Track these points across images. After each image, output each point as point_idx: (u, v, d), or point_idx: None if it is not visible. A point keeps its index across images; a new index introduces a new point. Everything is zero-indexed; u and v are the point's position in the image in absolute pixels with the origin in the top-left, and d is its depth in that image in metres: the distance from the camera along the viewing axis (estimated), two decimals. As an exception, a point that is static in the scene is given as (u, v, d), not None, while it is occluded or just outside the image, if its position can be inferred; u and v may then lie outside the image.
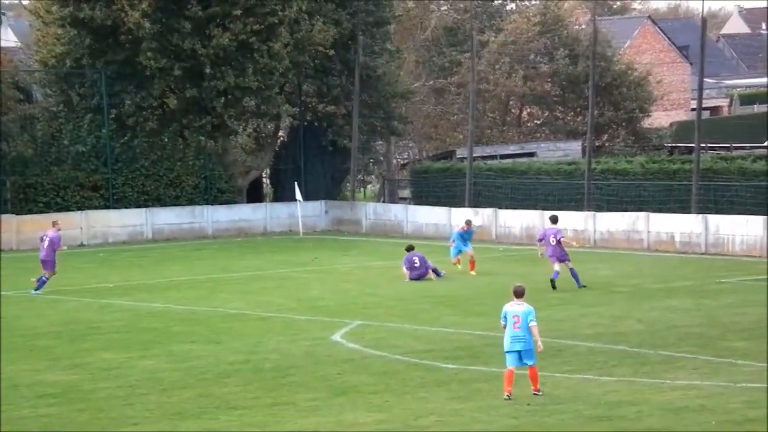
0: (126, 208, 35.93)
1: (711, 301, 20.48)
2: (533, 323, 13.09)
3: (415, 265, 24.14)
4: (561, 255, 22.46)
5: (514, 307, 13.21)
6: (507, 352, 13.23)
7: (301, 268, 27.25)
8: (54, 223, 24.67)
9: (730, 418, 11.95)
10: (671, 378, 14.06)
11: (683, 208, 31.06)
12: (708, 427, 11.62)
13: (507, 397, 13.08)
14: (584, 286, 22.18)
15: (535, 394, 13.16)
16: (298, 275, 26.01)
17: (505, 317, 13.25)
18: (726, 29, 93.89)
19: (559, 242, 22.49)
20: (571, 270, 22.39)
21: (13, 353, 16.65)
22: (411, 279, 23.95)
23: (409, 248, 24.66)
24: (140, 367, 15.55)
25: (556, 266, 22.33)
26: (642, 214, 30.74)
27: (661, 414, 12.20)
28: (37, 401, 13.58)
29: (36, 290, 23.24)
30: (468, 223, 26.26)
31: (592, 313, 19.19)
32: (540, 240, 23.26)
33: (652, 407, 12.48)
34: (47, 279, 23.36)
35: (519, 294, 13.34)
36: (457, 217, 31.92)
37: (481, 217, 34.00)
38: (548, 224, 24.08)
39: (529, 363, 13.17)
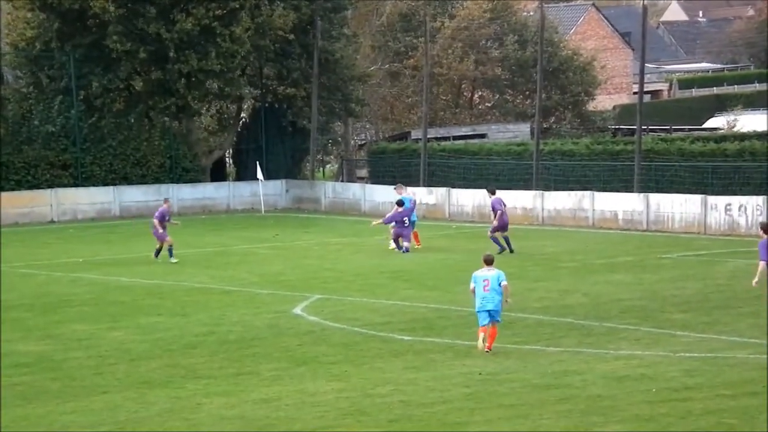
0: (94, 186, 36.60)
1: (652, 276, 20.84)
2: (505, 283, 14.60)
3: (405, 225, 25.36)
4: (507, 222, 24.73)
5: (485, 273, 14.65)
6: (478, 311, 14.52)
7: (262, 245, 27.67)
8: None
9: (670, 386, 12.26)
10: (614, 348, 14.39)
11: (626, 187, 31.87)
12: (649, 394, 11.90)
13: (486, 351, 14.37)
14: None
15: (487, 351, 14.30)
16: (260, 251, 26.39)
17: (475, 281, 14.68)
18: (666, 17, 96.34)
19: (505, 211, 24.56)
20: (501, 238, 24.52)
21: None
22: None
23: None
24: (109, 338, 15.79)
25: (492, 234, 24.28)
26: (587, 193, 31.68)
27: (604, 382, 12.53)
28: (11, 371, 13.82)
29: None
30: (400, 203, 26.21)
31: (540, 288, 19.57)
32: (502, 210, 24.77)
33: (596, 376, 12.84)
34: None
35: (489, 262, 14.83)
36: (412, 195, 32.77)
37: (435, 195, 35.06)
38: (493, 195, 25.70)
39: (497, 320, 14.66)
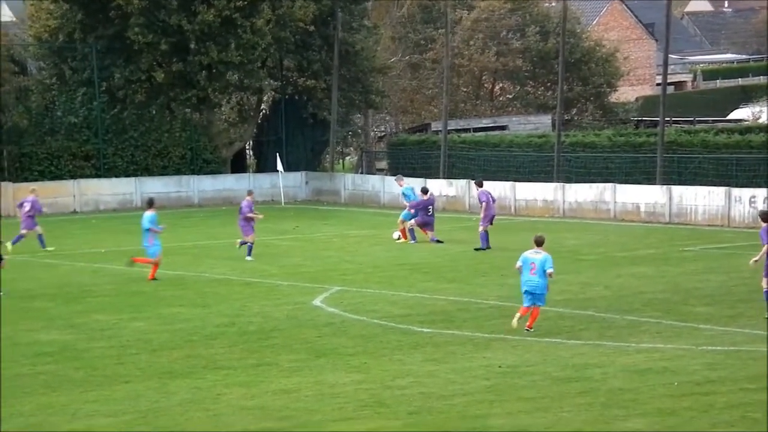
0: (116, 177, 36.90)
1: (674, 269, 20.85)
2: (550, 270, 14.92)
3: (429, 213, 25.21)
4: (495, 215, 24.47)
5: (533, 255, 14.97)
6: (523, 292, 15.05)
7: (282, 236, 27.82)
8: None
9: (692, 379, 12.22)
10: (636, 341, 14.32)
11: (648, 179, 31.81)
12: (671, 388, 11.86)
13: (524, 328, 14.82)
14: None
15: (527, 330, 14.81)
16: (280, 243, 26.51)
17: (523, 262, 15.03)
18: (690, 7, 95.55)
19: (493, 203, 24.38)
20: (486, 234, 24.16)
21: (12, 314, 17.07)
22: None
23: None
24: (131, 329, 15.87)
25: (483, 228, 23.94)
26: (609, 185, 31.61)
27: (625, 375, 12.46)
28: (35, 359, 13.98)
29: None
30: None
31: (561, 280, 18.92)
32: (492, 202, 24.63)
33: (617, 369, 12.76)
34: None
35: (539, 243, 15.09)
36: (432, 187, 32.53)
37: (455, 188, 35.08)
38: (479, 187, 25.57)
39: (539, 304, 14.98)
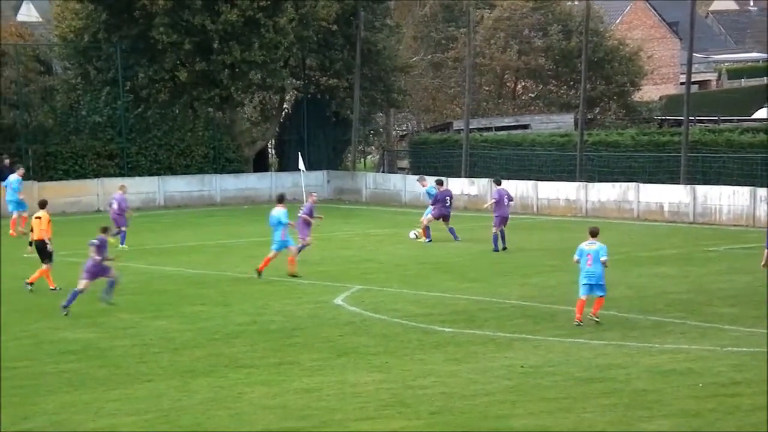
0: (139, 176, 37.08)
1: (699, 269, 20.79)
2: (604, 258, 15.37)
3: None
4: (507, 216, 23.95)
5: (588, 246, 15.43)
6: (581, 284, 15.47)
7: None
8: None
9: (717, 381, 12.16)
10: (659, 342, 14.27)
11: (672, 178, 31.61)
12: (695, 389, 11.82)
13: (577, 324, 15.26)
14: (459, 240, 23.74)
15: (592, 318, 15.26)
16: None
17: (580, 254, 15.46)
18: (715, 6, 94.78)
19: (509, 203, 23.97)
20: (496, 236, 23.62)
21: (37, 313, 17.35)
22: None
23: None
24: (154, 327, 15.96)
25: (497, 229, 23.57)
26: (632, 185, 31.42)
27: (649, 376, 12.41)
28: (59, 357, 14.12)
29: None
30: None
31: None
32: (497, 201, 24.09)
33: (641, 370, 12.71)
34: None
35: (594, 234, 15.56)
36: (454, 186, 32.51)
37: (476, 186, 35.05)
38: (495, 186, 25.22)
39: (599, 294, 15.47)
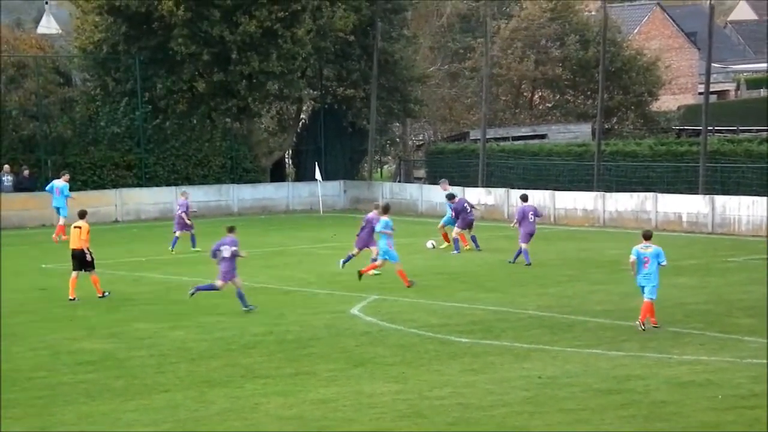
0: (157, 186, 37.28)
1: (717, 279, 20.66)
2: (664, 263, 15.73)
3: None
4: (533, 232, 23.38)
5: (644, 249, 15.65)
6: (641, 287, 15.80)
7: (321, 245, 27.87)
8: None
9: (736, 393, 12.06)
10: (678, 353, 14.19)
11: (690, 189, 31.46)
12: (714, 401, 11.73)
13: (641, 327, 15.55)
14: (529, 264, 22.89)
15: (655, 327, 15.57)
16: (319, 251, 26.58)
17: (637, 256, 15.69)
18: (733, 16, 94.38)
19: (536, 218, 23.53)
20: (525, 251, 23.12)
21: (55, 323, 17.42)
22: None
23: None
24: (171, 337, 16.01)
25: (525, 245, 23.04)
26: (650, 195, 31.27)
27: (668, 388, 12.32)
28: (76, 368, 14.14)
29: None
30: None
31: (601, 290, 19.41)
32: (520, 220, 23.52)
33: (660, 381, 12.63)
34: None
35: (647, 237, 15.81)
36: (470, 196, 32.33)
37: (493, 196, 34.99)
38: (520, 202, 24.74)
39: (652, 297, 15.70)
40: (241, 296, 18.23)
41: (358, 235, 22.51)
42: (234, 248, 18.22)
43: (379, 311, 17.84)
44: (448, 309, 17.98)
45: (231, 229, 18.52)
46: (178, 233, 26.83)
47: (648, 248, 15.63)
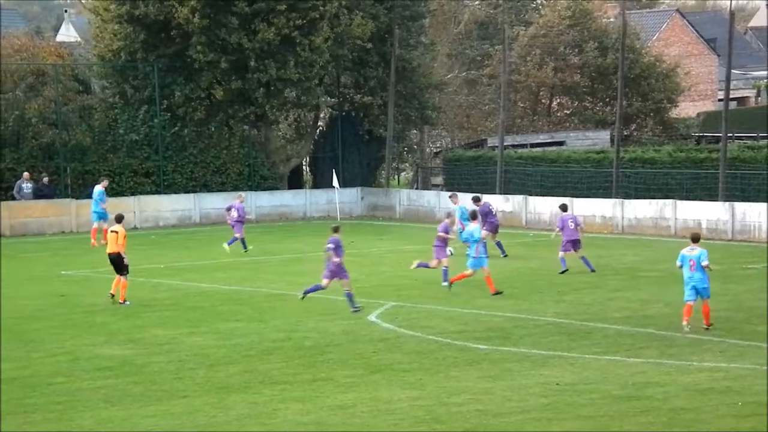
0: (175, 193, 37.42)
1: (737, 286, 20.59)
2: (705, 263, 15.91)
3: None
4: (576, 240, 23.10)
5: (689, 252, 16.06)
6: (687, 288, 16.12)
7: None
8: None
9: (757, 400, 11.98)
10: (698, 360, 14.18)
11: (710, 195, 31.31)
12: (734, 408, 11.69)
13: (686, 327, 15.76)
14: (594, 271, 22.64)
15: (706, 328, 15.86)
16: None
17: (682, 260, 16.03)
18: (753, 22, 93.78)
19: (577, 227, 23.25)
20: (583, 258, 22.94)
21: (74, 329, 17.52)
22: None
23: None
24: (189, 343, 16.06)
25: (566, 253, 22.83)
26: (669, 202, 31.14)
27: (687, 395, 12.29)
28: (95, 373, 14.22)
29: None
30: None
31: (620, 297, 19.42)
32: (561, 228, 23.45)
33: (679, 388, 12.60)
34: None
35: (695, 239, 16.14)
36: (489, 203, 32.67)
37: (511, 203, 34.93)
38: (560, 212, 24.56)
39: (704, 297, 16.04)
40: (349, 297, 18.54)
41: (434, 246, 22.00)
42: (330, 245, 18.50)
43: (397, 318, 17.88)
44: (466, 315, 17.98)
45: (336, 230, 19.13)
46: (238, 234, 27.57)
47: (694, 250, 16.03)
